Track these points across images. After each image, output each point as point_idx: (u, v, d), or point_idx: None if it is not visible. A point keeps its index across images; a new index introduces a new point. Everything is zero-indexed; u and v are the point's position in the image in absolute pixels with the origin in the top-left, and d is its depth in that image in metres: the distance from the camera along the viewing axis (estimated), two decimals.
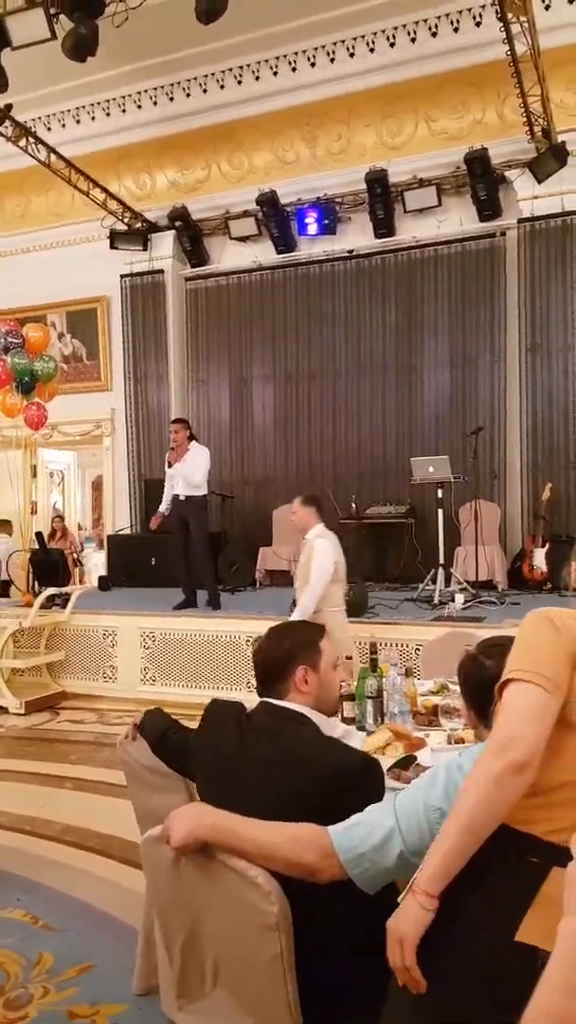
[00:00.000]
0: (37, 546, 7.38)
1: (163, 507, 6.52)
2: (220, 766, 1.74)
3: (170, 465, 6.43)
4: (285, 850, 1.40)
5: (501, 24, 5.63)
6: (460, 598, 5.69)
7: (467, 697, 1.66)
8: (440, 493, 6.30)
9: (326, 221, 8.10)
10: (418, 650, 4.76)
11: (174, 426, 6.53)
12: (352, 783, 1.59)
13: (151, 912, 1.92)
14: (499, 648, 1.56)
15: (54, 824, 3.88)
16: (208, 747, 1.80)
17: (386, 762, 2.22)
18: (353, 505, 7.29)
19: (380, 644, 4.99)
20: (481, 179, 7.28)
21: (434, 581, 6.17)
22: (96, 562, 9.95)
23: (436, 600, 5.94)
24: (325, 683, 1.82)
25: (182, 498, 6.33)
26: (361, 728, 2.65)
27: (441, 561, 6.22)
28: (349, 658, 3.03)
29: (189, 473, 6.30)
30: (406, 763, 2.15)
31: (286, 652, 1.80)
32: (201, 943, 1.62)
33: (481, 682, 1.56)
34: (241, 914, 1.49)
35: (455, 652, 3.06)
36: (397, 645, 5.28)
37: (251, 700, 1.85)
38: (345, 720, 2.75)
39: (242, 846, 1.42)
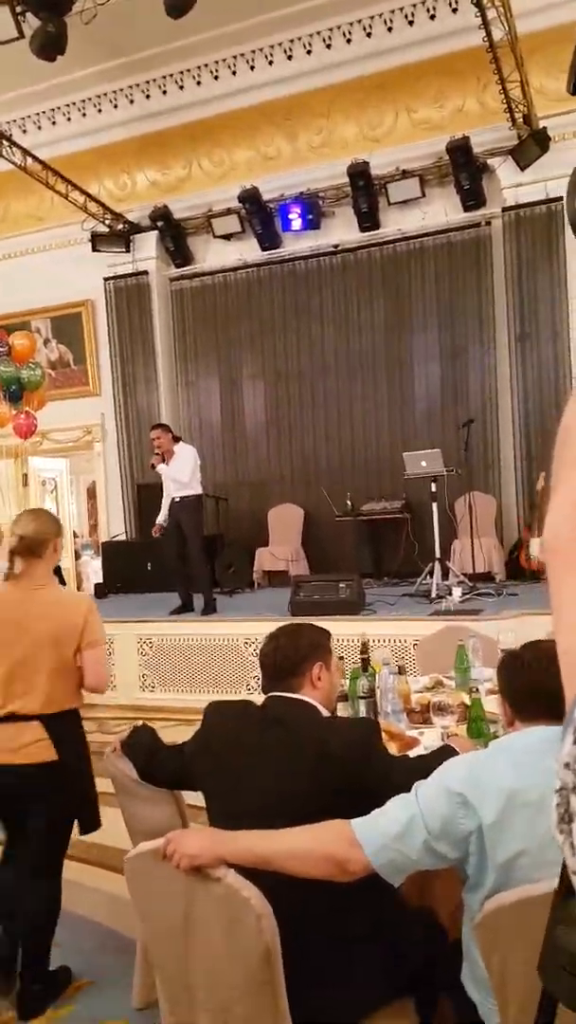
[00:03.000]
0: None
1: (161, 517, 6.45)
2: (235, 761, 1.73)
3: (153, 467, 6.39)
4: (310, 846, 1.40)
5: (477, 10, 5.56)
6: (457, 591, 5.64)
7: (502, 691, 1.66)
8: (434, 487, 6.25)
9: (310, 216, 8.03)
10: (415, 645, 4.71)
11: (155, 432, 6.47)
12: (365, 749, 1.68)
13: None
14: (537, 646, 1.63)
15: None
16: (216, 748, 1.80)
17: None
18: (348, 502, 7.23)
19: (378, 640, 4.97)
20: (464, 168, 7.22)
21: (431, 575, 6.11)
22: (94, 569, 9.90)
23: (434, 594, 5.89)
24: (332, 682, 1.91)
25: (176, 500, 6.29)
26: None
27: (438, 555, 6.16)
28: (341, 659, 2.98)
29: (176, 472, 6.26)
30: None
31: (305, 648, 1.87)
32: (190, 963, 1.57)
33: (515, 672, 1.61)
34: (231, 935, 1.44)
35: (451, 647, 3.04)
36: (394, 641, 5.23)
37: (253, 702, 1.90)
38: None
39: (263, 857, 1.41)
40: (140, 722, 2.16)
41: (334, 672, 1.92)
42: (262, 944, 1.41)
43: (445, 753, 1.85)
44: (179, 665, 6.12)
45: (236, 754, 1.75)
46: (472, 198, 7.45)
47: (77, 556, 11.61)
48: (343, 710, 2.70)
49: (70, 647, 2.46)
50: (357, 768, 1.62)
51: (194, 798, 1.99)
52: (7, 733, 2.40)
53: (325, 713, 1.83)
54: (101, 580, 8.44)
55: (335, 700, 2.00)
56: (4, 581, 2.59)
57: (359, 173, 7.48)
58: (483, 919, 1.33)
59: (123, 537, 8.84)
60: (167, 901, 1.55)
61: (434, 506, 6.25)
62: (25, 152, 7.47)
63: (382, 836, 1.36)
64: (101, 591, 8.14)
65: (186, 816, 2.19)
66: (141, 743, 2.09)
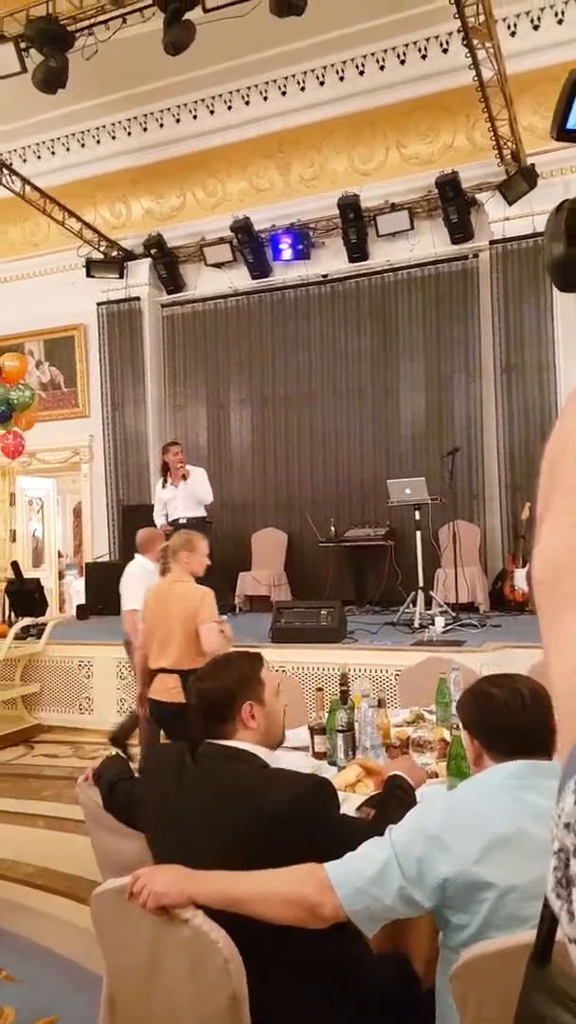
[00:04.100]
0: (13, 576, 7.26)
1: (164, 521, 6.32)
2: (164, 815, 1.67)
3: (174, 484, 6.29)
4: (281, 889, 1.35)
5: (467, 51, 5.70)
6: (440, 621, 5.63)
7: (470, 727, 1.59)
8: (418, 515, 6.26)
9: (300, 246, 8.14)
10: (397, 676, 4.68)
11: (176, 448, 6.44)
12: (305, 811, 1.53)
13: None
14: (504, 679, 1.58)
15: (23, 866, 3.77)
16: (149, 795, 1.74)
17: (356, 800, 2.15)
18: (332, 528, 7.24)
19: (358, 670, 4.94)
20: (452, 202, 7.35)
21: (414, 604, 6.11)
22: (76, 589, 9.81)
23: (416, 624, 5.88)
24: (271, 714, 1.75)
25: (183, 521, 6.23)
26: (332, 763, 2.58)
27: (421, 584, 6.16)
28: (320, 690, 2.95)
29: (201, 491, 6.22)
30: (376, 801, 2.07)
31: (230, 687, 1.72)
32: (154, 1005, 1.53)
33: (488, 709, 1.54)
34: (197, 978, 1.41)
35: (434, 679, 3.03)
36: (375, 671, 5.20)
37: None
38: (316, 755, 2.68)
39: (233, 899, 1.36)
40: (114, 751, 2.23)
41: (271, 703, 1.75)
42: (229, 988, 1.37)
43: (400, 796, 1.80)
44: None
45: (161, 806, 1.68)
46: (460, 231, 7.58)
47: (61, 576, 11.52)
48: (320, 744, 2.68)
49: (192, 623, 3.47)
50: (303, 838, 1.49)
51: None
52: (159, 680, 3.58)
53: (264, 755, 1.68)
54: (84, 601, 8.37)
55: (281, 732, 1.82)
56: (161, 576, 3.87)
57: (349, 205, 7.61)
58: (459, 969, 1.29)
59: (107, 558, 8.78)
60: (133, 940, 1.51)
61: (418, 534, 6.26)
62: (24, 180, 7.55)
63: (356, 880, 1.32)
64: (83, 612, 8.06)
65: None
66: (108, 770, 2.03)
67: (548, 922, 0.62)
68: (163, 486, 6.39)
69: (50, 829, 4.22)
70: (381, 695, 3.25)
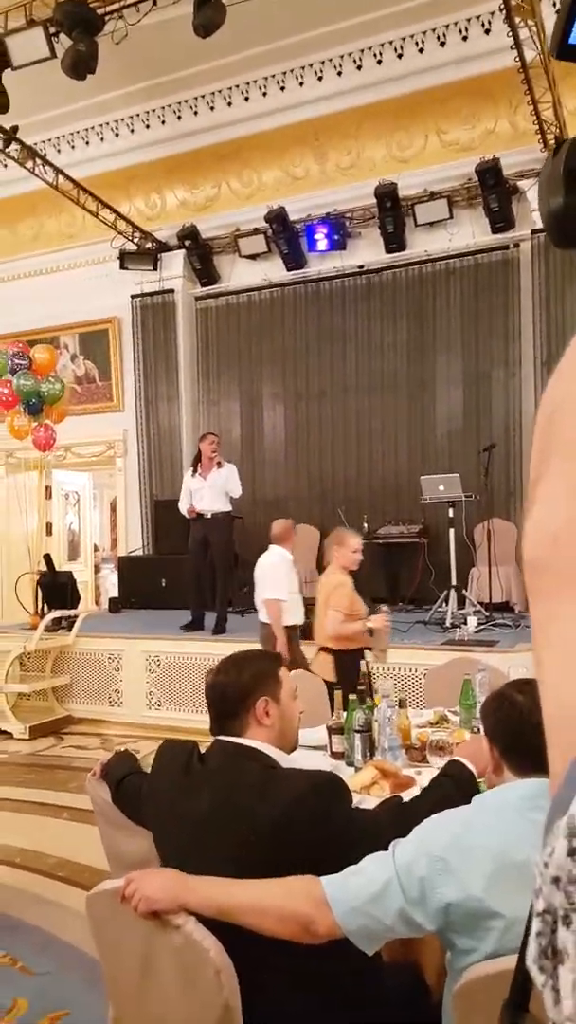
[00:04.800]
0: (45, 568, 7.33)
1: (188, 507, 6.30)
2: (169, 815, 1.62)
3: (205, 473, 6.27)
4: (275, 903, 1.29)
5: (509, 30, 5.52)
6: (473, 621, 5.48)
7: (489, 734, 1.50)
8: (452, 512, 6.12)
9: (336, 237, 8.02)
10: (426, 675, 4.56)
11: (213, 438, 6.43)
12: (311, 806, 1.45)
13: None
14: (530, 685, 1.44)
15: (46, 857, 3.79)
16: (157, 794, 1.68)
17: (370, 803, 2.05)
18: (365, 525, 7.11)
19: (386, 669, 4.83)
20: (493, 190, 7.15)
21: (447, 603, 5.97)
22: (112, 583, 9.89)
23: (448, 623, 5.74)
24: (286, 715, 1.68)
25: (208, 516, 6.20)
26: (350, 763, 2.49)
27: (454, 582, 6.01)
28: (339, 689, 2.87)
29: (232, 485, 6.20)
30: None
31: (245, 682, 1.65)
32: (146, 1011, 1.48)
33: (508, 716, 1.43)
34: (189, 988, 1.35)
35: (460, 679, 2.91)
36: (403, 670, 5.09)
37: None
38: (334, 755, 2.60)
39: (225, 908, 1.31)
40: (125, 747, 2.20)
41: (287, 703, 1.69)
42: (221, 999, 1.31)
43: (444, 788, 1.69)
44: (185, 684, 6.04)
45: (167, 806, 1.63)
46: (501, 220, 7.37)
47: (97, 570, 11.64)
48: (338, 743, 2.59)
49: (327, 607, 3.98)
50: (306, 837, 1.43)
51: None
52: (317, 657, 4.07)
53: (276, 756, 1.61)
54: (116, 595, 8.42)
55: (296, 736, 1.75)
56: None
57: (387, 194, 7.46)
58: (461, 988, 1.22)
59: (140, 552, 8.81)
60: (127, 944, 1.46)
61: (451, 532, 6.11)
62: (58, 171, 7.59)
63: (354, 898, 1.24)
64: (115, 606, 8.10)
65: None
66: (118, 766, 1.98)
67: (524, 974, 0.53)
68: (192, 475, 6.35)
69: (74, 821, 4.24)
70: (406, 695, 3.16)
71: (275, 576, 4.74)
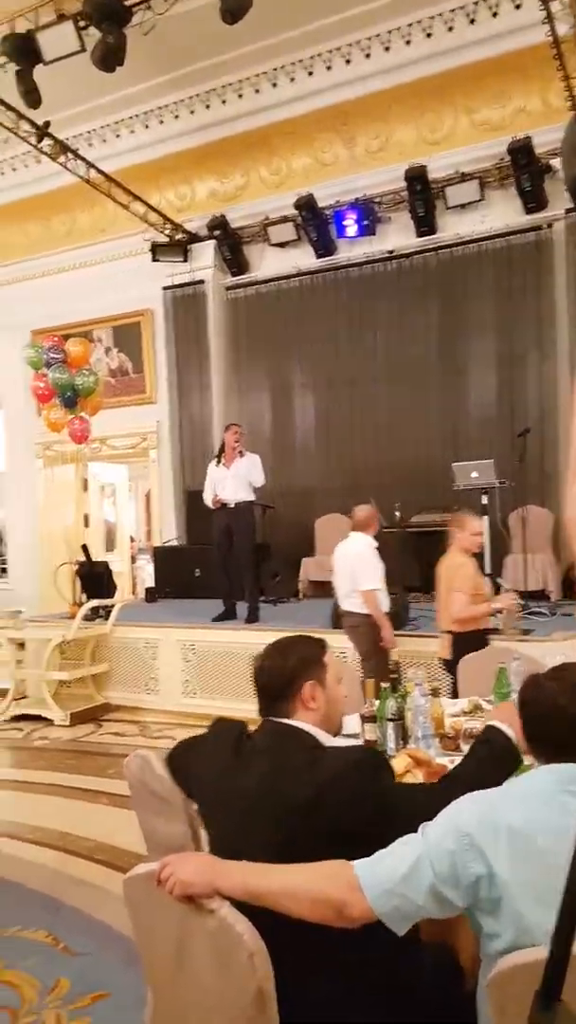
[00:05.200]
0: (83, 559, 7.46)
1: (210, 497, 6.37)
2: (214, 792, 1.66)
3: (229, 463, 6.31)
4: (308, 886, 1.31)
5: (541, 4, 5.38)
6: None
7: (523, 721, 1.51)
8: (485, 499, 6.05)
9: (365, 222, 7.94)
10: (460, 664, 4.54)
11: (236, 428, 6.47)
12: (352, 781, 1.48)
13: None
14: (567, 672, 1.45)
15: (86, 841, 3.87)
16: (204, 771, 1.72)
17: None
18: (397, 513, 7.07)
19: (418, 657, 4.82)
20: (525, 169, 7.01)
21: None
22: (148, 573, 10.01)
23: None
24: (332, 699, 1.72)
25: (231, 505, 6.24)
26: (383, 752, 2.50)
27: (488, 571, 5.94)
28: (371, 678, 2.88)
29: (255, 475, 6.23)
30: None
31: (292, 666, 1.70)
32: (182, 993, 1.51)
33: (540, 705, 1.42)
34: (223, 971, 1.37)
35: (495, 668, 2.89)
36: (436, 659, 5.06)
37: None
38: (367, 743, 2.60)
39: (258, 893, 1.33)
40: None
41: (332, 688, 1.73)
42: (254, 983, 1.32)
43: (484, 752, 1.71)
44: (220, 672, 6.10)
45: (213, 783, 1.66)
46: (533, 200, 7.22)
47: (133, 560, 11.79)
48: (371, 732, 2.60)
49: (450, 592, 4.04)
50: (347, 814, 1.45)
51: None
52: (441, 639, 4.17)
53: (322, 738, 1.65)
54: (152, 584, 8.53)
55: (340, 721, 1.81)
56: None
57: (417, 177, 7.37)
58: (495, 977, 1.22)
59: (175, 543, 8.90)
60: (162, 928, 1.49)
61: (485, 519, 6.05)
62: (89, 165, 7.64)
63: (386, 880, 1.26)
64: (151, 595, 8.21)
65: (199, 837, 2.11)
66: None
67: (557, 963, 0.54)
68: (216, 465, 6.40)
69: (113, 806, 4.32)
70: (438, 684, 3.14)
71: (366, 565, 4.60)
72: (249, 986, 1.32)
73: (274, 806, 1.50)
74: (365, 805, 1.47)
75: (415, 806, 1.49)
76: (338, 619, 5.51)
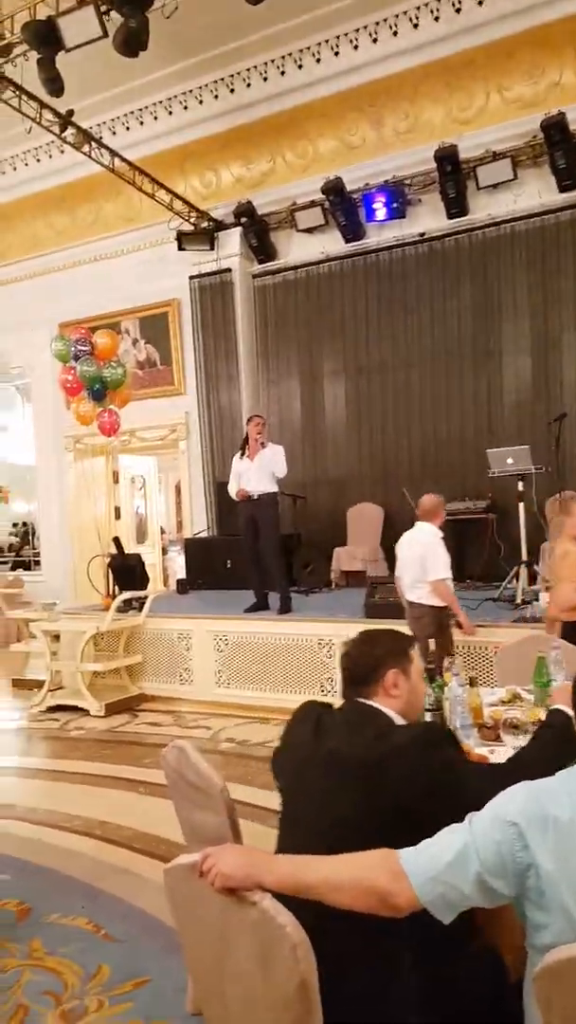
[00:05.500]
0: (115, 551, 7.50)
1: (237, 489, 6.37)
2: (292, 762, 1.73)
3: (253, 455, 6.30)
4: (352, 876, 1.29)
5: None
6: (544, 597, 5.31)
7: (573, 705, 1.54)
8: (521, 486, 5.94)
9: (395, 205, 7.81)
10: (497, 653, 4.47)
11: (258, 419, 6.45)
12: (410, 761, 1.51)
13: None
14: None
15: (125, 830, 3.89)
16: (287, 747, 1.80)
17: None
18: None
19: (456, 647, 4.75)
20: (559, 146, 6.82)
21: (517, 579, 5.81)
22: (180, 564, 10.06)
23: (518, 600, 5.60)
24: (414, 690, 1.82)
25: (255, 497, 6.23)
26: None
27: (524, 558, 5.85)
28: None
29: (277, 467, 6.21)
30: None
31: (379, 655, 1.80)
32: (225, 984, 1.49)
33: None
34: (265, 963, 1.35)
35: (534, 657, 2.83)
36: (474, 649, 5.00)
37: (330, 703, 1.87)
38: None
39: (302, 885, 1.32)
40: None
41: (416, 681, 1.82)
42: (297, 975, 1.30)
43: (548, 736, 1.73)
44: (253, 663, 6.09)
45: (295, 757, 1.72)
46: (568, 178, 7.02)
47: (164, 552, 11.86)
48: None
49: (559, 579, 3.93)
50: (407, 785, 1.48)
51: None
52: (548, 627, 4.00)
53: (398, 721, 1.72)
54: (184, 576, 8.55)
55: (419, 710, 1.88)
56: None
57: (447, 157, 7.21)
58: (542, 972, 1.18)
59: (205, 534, 8.91)
60: (204, 918, 1.47)
61: (521, 506, 5.94)
62: (113, 153, 7.61)
63: (431, 868, 1.24)
64: (182, 587, 8.24)
65: (238, 827, 2.08)
66: None
67: None
68: (240, 458, 6.38)
69: (150, 795, 4.33)
70: (477, 673, 3.08)
71: (435, 556, 4.53)
72: (292, 978, 1.31)
73: (341, 773, 1.55)
74: (424, 777, 1.50)
75: (480, 784, 1.48)
76: (372, 609, 5.47)
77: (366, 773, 1.51)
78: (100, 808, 4.17)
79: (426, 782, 1.49)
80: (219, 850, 1.41)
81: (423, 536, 4.64)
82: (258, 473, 6.24)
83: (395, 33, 7.21)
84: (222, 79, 7.99)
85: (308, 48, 7.54)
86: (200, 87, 8.09)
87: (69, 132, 6.95)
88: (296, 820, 1.63)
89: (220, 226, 8.71)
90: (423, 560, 4.55)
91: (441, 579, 4.51)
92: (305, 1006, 1.31)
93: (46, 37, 5.34)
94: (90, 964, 2.65)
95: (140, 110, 8.44)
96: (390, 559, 7.72)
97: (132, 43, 5.08)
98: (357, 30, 7.29)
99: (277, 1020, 1.34)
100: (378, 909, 1.27)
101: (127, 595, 6.75)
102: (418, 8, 7.00)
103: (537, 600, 5.32)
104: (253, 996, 1.40)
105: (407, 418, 8.06)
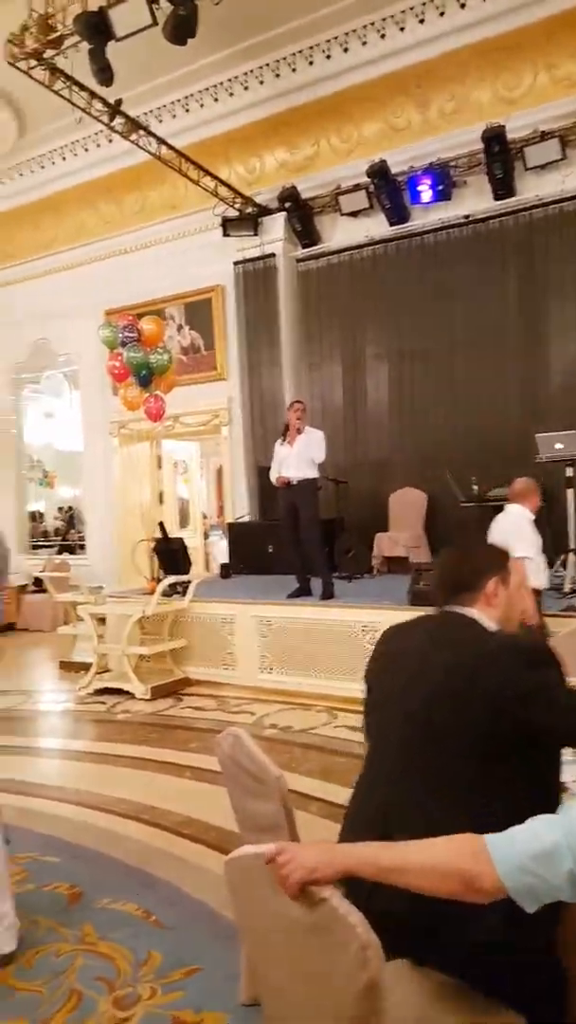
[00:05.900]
0: (159, 535, 7.58)
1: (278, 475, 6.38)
2: (386, 658, 1.78)
3: (290, 440, 6.30)
4: (438, 859, 1.26)
5: None
6: None
7: None
8: (570, 471, 5.82)
9: (440, 187, 7.67)
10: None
11: (298, 405, 6.43)
12: (501, 667, 1.49)
13: None
14: None
15: (172, 815, 3.87)
16: (381, 661, 1.82)
17: None
18: (475, 487, 6.88)
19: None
20: None
21: (564, 567, 5.72)
22: (221, 549, 10.14)
23: (567, 588, 5.51)
24: (512, 600, 1.79)
25: (294, 483, 6.23)
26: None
27: (572, 545, 5.74)
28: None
29: (315, 452, 6.19)
30: None
31: (481, 562, 1.80)
32: (288, 980, 1.50)
33: None
34: (331, 962, 1.34)
35: None
36: None
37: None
38: None
39: (386, 868, 1.29)
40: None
41: (515, 591, 1.79)
42: (365, 975, 1.29)
43: None
44: (296, 649, 6.11)
45: (389, 669, 1.74)
46: None
47: (206, 536, 11.96)
48: None
49: None
50: (498, 693, 1.45)
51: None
52: None
53: (493, 629, 1.70)
54: (227, 560, 8.61)
55: (516, 622, 1.85)
56: None
57: (494, 137, 7.05)
58: None
59: (246, 519, 8.95)
60: (267, 912, 1.47)
61: (569, 492, 5.82)
62: (160, 141, 7.61)
63: (519, 855, 1.20)
64: (225, 571, 8.30)
65: (292, 815, 2.03)
66: None
67: None
68: (281, 444, 6.38)
69: (197, 780, 4.34)
70: None
71: (520, 533, 4.45)
72: (359, 978, 1.29)
73: (432, 669, 1.56)
74: (517, 688, 1.45)
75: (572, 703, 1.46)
76: (417, 596, 5.44)
77: (459, 673, 1.51)
78: (147, 792, 4.17)
79: (517, 692, 1.45)
80: (294, 846, 1.38)
81: (511, 516, 4.62)
82: (297, 459, 6.23)
83: (442, 14, 7.04)
84: (267, 64, 7.90)
85: (355, 31, 7.40)
86: (246, 73, 8.02)
87: (117, 121, 6.97)
88: (386, 732, 1.62)
89: (264, 211, 8.66)
90: (507, 538, 4.48)
91: (521, 557, 4.34)
92: (371, 1006, 1.30)
93: (97, 27, 5.36)
94: (140, 950, 2.63)
95: (186, 98, 8.41)
96: (433, 545, 7.69)
97: (182, 30, 5.05)
98: (403, 12, 7.13)
99: (340, 1020, 1.35)
100: (462, 894, 1.23)
101: (172, 579, 6.82)
102: None
103: None
104: (317, 994, 1.40)
105: (452, 401, 7.95)
